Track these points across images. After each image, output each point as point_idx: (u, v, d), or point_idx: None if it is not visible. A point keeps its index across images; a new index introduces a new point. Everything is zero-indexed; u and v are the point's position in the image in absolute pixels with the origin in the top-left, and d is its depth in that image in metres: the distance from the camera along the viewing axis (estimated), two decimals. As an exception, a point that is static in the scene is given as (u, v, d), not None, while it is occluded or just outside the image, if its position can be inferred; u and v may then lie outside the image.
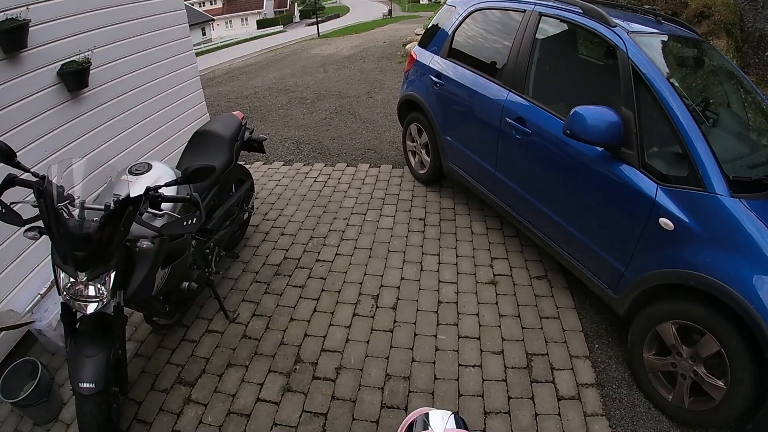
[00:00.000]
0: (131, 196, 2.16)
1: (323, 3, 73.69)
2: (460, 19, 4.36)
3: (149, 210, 2.32)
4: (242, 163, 4.26)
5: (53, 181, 2.14)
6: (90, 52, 3.82)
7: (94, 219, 2.13)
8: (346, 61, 14.87)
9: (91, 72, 3.84)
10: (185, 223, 2.19)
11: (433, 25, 5.00)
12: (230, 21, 56.48)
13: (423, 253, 4.00)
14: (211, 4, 56.59)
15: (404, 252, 4.02)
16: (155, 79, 4.76)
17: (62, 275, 2.19)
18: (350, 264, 3.91)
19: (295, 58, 17.59)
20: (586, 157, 2.90)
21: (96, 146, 4.00)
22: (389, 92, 9.34)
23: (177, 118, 5.16)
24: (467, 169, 4.28)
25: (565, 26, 3.45)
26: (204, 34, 44.18)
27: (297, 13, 65.54)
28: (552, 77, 3.62)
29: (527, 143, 3.42)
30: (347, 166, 5.72)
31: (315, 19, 32.23)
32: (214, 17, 50.84)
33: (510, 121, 3.53)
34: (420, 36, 15.02)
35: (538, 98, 3.41)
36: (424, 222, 4.48)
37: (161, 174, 2.80)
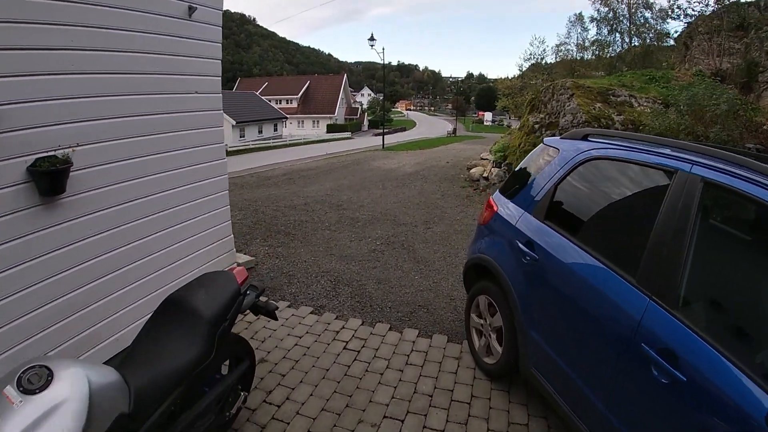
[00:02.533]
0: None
1: (392, 116, 77.99)
2: (566, 169, 3.18)
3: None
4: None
5: None
6: (71, 150, 2.94)
7: None
8: (407, 178, 14.28)
9: (74, 173, 2.94)
10: None
11: (521, 169, 3.94)
12: (302, 121, 60.16)
13: None
14: (288, 103, 60.77)
15: None
16: (165, 190, 3.83)
17: None
18: None
19: (356, 168, 17.35)
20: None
21: (63, 269, 3.00)
22: (449, 224, 8.29)
23: (191, 246, 4.18)
24: (559, 387, 2.88)
25: (750, 205, 2.22)
26: (275, 129, 46.74)
27: (366, 122, 69.27)
28: (731, 289, 2.30)
29: (681, 396, 2.05)
30: (390, 329, 4.44)
31: (382, 130, 33.13)
32: (288, 116, 54.17)
33: (649, 351, 2.19)
34: (487, 161, 14.42)
35: (704, 323, 2.11)
36: (487, 448, 3.06)
37: (66, 396, 1.66)
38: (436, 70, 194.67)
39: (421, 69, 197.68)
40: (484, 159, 14.37)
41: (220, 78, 4.24)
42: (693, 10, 21.59)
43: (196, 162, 4.08)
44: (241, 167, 20.16)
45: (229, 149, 30.56)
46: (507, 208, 3.65)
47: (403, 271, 5.90)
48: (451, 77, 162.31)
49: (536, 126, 12.35)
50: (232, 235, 4.80)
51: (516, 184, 3.80)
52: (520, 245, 3.21)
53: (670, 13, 21.90)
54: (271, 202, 10.14)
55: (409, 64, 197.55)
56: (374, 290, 5.28)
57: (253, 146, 33.80)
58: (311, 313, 4.72)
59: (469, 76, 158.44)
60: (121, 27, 3.22)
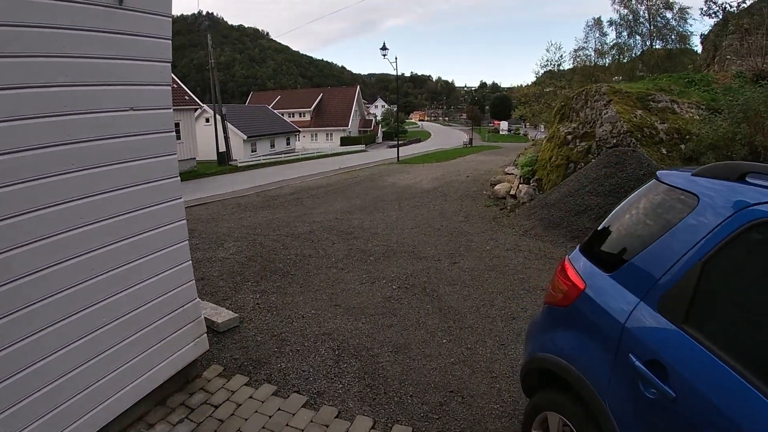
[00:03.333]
0: None
1: (406, 127, 77.01)
2: (719, 235, 1.75)
3: None
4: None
5: None
6: None
7: None
8: (424, 196, 13.02)
9: None
10: None
11: (618, 219, 2.61)
12: (316, 134, 59.36)
13: None
14: (301, 116, 60.07)
15: None
16: (73, 262, 2.62)
17: None
18: None
19: (370, 185, 16.15)
20: None
21: None
22: (478, 257, 6.99)
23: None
24: None
25: None
26: (288, 143, 45.94)
27: (380, 134, 68.29)
28: None
29: None
30: (412, 436, 3.16)
31: (396, 142, 31.99)
32: (301, 129, 53.40)
33: None
34: (513, 176, 13.02)
35: None
36: None
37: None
38: (449, 80, 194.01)
39: (434, 79, 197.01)
40: (509, 174, 13.06)
41: (169, 88, 3.05)
42: (730, 6, 20.13)
43: (134, 207, 2.85)
44: (248, 185, 19.14)
45: (239, 165, 29.71)
46: (603, 288, 2.27)
47: (427, 331, 4.61)
48: (465, 87, 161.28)
49: (569, 137, 11.02)
50: (198, 299, 3.57)
51: (615, 248, 2.47)
52: (637, 363, 1.86)
53: (706, 9, 20.38)
54: (272, 230, 8.96)
55: (422, 75, 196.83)
56: (390, 364, 3.99)
57: (264, 161, 32.88)
58: (304, 405, 3.45)
59: (483, 85, 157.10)
60: (8, 21, 2.07)
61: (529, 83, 61.48)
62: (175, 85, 26.41)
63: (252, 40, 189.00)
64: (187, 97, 26.10)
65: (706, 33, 25.99)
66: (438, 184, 15.71)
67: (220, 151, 30.36)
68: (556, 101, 40.87)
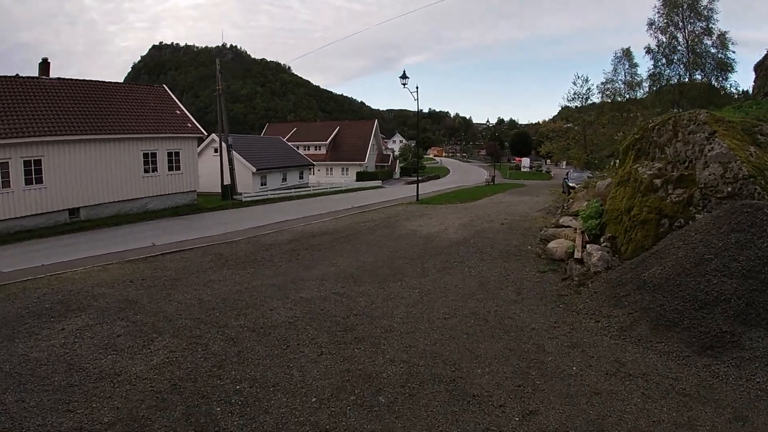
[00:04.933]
0: None
1: (424, 162, 74.74)
2: None
3: None
4: None
5: None
6: None
7: None
8: (454, 252, 10.12)
9: None
10: None
11: None
12: (331, 168, 57.07)
13: None
14: (316, 149, 58.00)
15: None
16: None
17: None
18: None
19: (386, 233, 13.30)
20: None
21: None
22: (567, 395, 4.04)
23: None
24: None
25: None
26: (301, 177, 43.59)
27: (398, 169, 65.91)
28: None
29: None
30: None
31: (415, 178, 29.35)
32: (316, 163, 51.22)
33: None
34: (571, 228, 9.87)
35: None
36: None
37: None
38: (467, 117, 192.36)
39: (451, 116, 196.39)
40: (565, 226, 10.13)
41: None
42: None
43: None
44: (245, 225, 16.45)
45: (243, 200, 27.25)
46: None
47: None
48: (485, 123, 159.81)
49: (656, 182, 8.12)
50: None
51: None
52: None
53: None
54: (237, 314, 6.15)
55: (441, 111, 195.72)
56: None
57: (271, 196, 30.40)
58: None
59: (500, 121, 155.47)
60: None
61: (551, 119, 59.07)
62: (177, 111, 24.26)
63: (273, 73, 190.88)
64: (189, 125, 23.86)
65: (761, 60, 23.21)
66: (468, 233, 12.81)
67: (224, 183, 27.99)
68: (592, 135, 37.75)
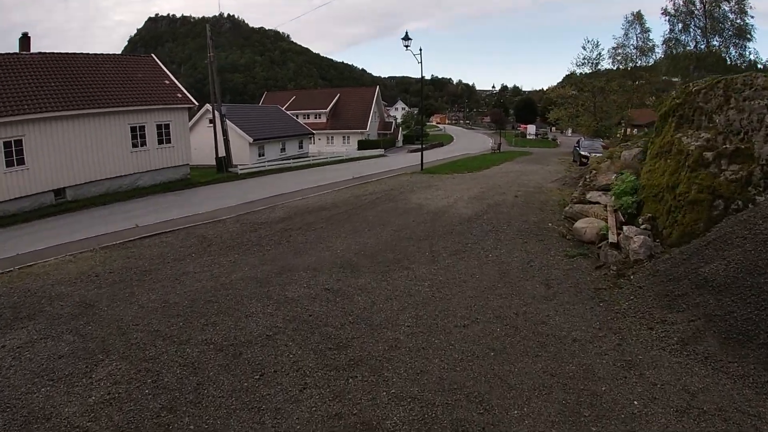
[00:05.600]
0: None
1: (427, 130, 72.77)
2: None
3: None
4: None
5: None
6: None
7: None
8: (466, 230, 9.03)
9: None
10: None
11: None
12: (332, 137, 55.36)
13: None
14: (316, 118, 56.20)
15: None
16: None
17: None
18: None
19: (389, 207, 12.17)
20: None
21: None
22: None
23: None
24: None
25: None
26: (301, 147, 42.09)
27: (400, 137, 64.07)
28: None
29: None
30: None
31: (420, 146, 28.00)
32: (316, 132, 49.61)
33: None
34: (601, 206, 8.65)
35: None
36: None
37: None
38: (470, 84, 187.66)
39: (454, 82, 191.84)
40: (593, 202, 8.95)
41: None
42: None
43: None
44: (237, 200, 15.29)
45: (239, 172, 26.01)
46: None
47: None
48: (490, 90, 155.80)
49: (707, 155, 6.89)
50: None
51: None
52: None
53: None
54: (197, 329, 5.12)
55: (443, 78, 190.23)
56: None
57: (269, 167, 29.13)
58: None
59: (504, 88, 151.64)
60: None
61: (559, 84, 56.66)
62: (167, 81, 22.76)
63: (272, 42, 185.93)
64: (179, 95, 22.39)
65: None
66: (480, 208, 11.67)
67: (219, 156, 26.71)
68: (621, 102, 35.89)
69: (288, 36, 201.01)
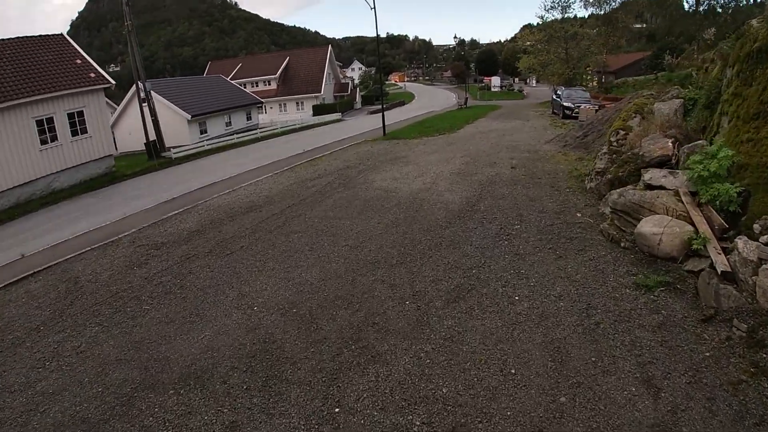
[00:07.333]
0: None
1: (387, 89, 68.34)
2: None
3: None
4: None
5: None
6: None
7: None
8: (459, 235, 5.79)
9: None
10: None
11: None
12: (284, 104, 50.54)
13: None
14: (266, 85, 51.14)
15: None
16: None
17: None
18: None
19: (343, 198, 8.80)
20: None
21: None
22: None
23: None
24: None
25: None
26: (249, 118, 37.53)
27: (359, 99, 59.63)
28: None
29: None
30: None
31: (379, 107, 24.37)
32: (265, 100, 44.94)
33: None
34: (668, 192, 5.32)
35: None
36: None
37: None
38: (427, 39, 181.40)
39: (411, 39, 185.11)
40: (655, 186, 5.74)
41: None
42: None
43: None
44: (154, 199, 11.48)
45: (174, 157, 21.89)
46: None
47: None
48: (446, 45, 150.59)
49: None
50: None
51: None
52: None
53: None
54: None
55: (399, 35, 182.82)
56: None
57: (208, 147, 24.96)
58: None
59: (461, 42, 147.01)
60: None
61: (528, 29, 52.70)
62: (78, 61, 18.06)
63: (220, 11, 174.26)
64: (92, 74, 17.84)
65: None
66: (471, 190, 8.48)
67: (148, 140, 22.37)
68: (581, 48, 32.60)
69: (236, 3, 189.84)
